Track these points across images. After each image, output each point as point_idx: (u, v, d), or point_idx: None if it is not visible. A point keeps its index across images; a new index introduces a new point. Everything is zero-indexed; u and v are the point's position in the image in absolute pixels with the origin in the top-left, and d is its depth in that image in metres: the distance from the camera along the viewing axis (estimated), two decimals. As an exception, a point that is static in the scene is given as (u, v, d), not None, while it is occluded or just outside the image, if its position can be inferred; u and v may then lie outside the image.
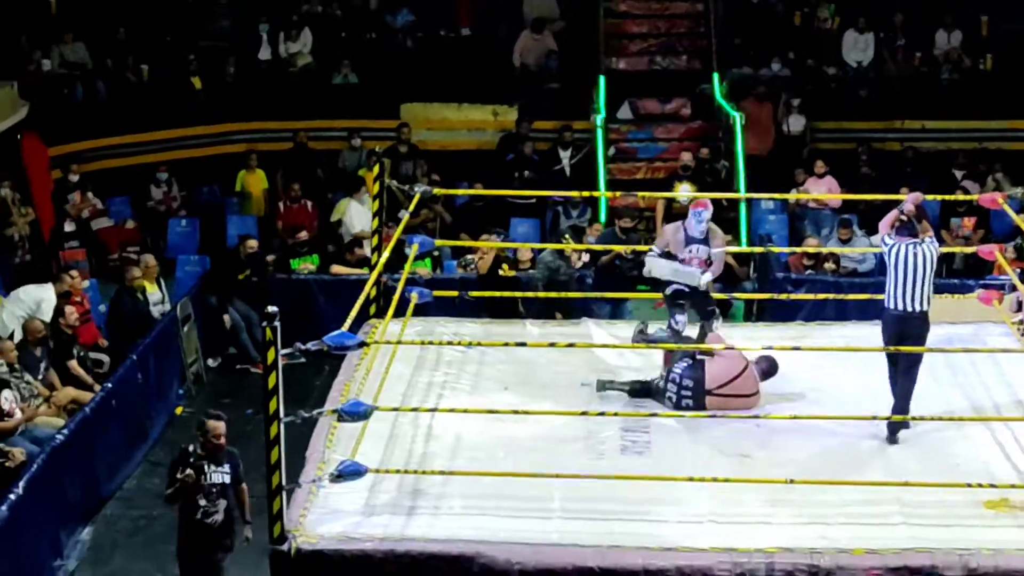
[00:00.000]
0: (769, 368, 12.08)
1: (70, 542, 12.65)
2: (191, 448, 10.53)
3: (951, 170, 20.19)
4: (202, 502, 10.47)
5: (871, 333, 12.57)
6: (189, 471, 10.37)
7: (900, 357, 11.33)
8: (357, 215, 18.72)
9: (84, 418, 13.13)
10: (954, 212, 19.02)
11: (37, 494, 11.74)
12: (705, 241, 12.27)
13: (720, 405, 11.73)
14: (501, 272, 15.34)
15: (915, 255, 11.32)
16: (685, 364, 11.97)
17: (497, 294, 14.97)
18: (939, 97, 21.54)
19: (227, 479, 10.59)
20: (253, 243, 17.23)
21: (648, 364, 12.60)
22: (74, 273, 16.18)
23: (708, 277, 12.30)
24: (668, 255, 12.29)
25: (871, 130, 21.20)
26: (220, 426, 10.54)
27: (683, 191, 18.02)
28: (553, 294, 15.04)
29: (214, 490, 10.51)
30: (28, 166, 19.00)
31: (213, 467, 10.50)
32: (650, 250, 12.42)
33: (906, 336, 11.31)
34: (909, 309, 11.30)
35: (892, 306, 11.39)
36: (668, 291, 12.36)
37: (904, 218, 11.62)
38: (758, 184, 18.68)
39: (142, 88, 21.75)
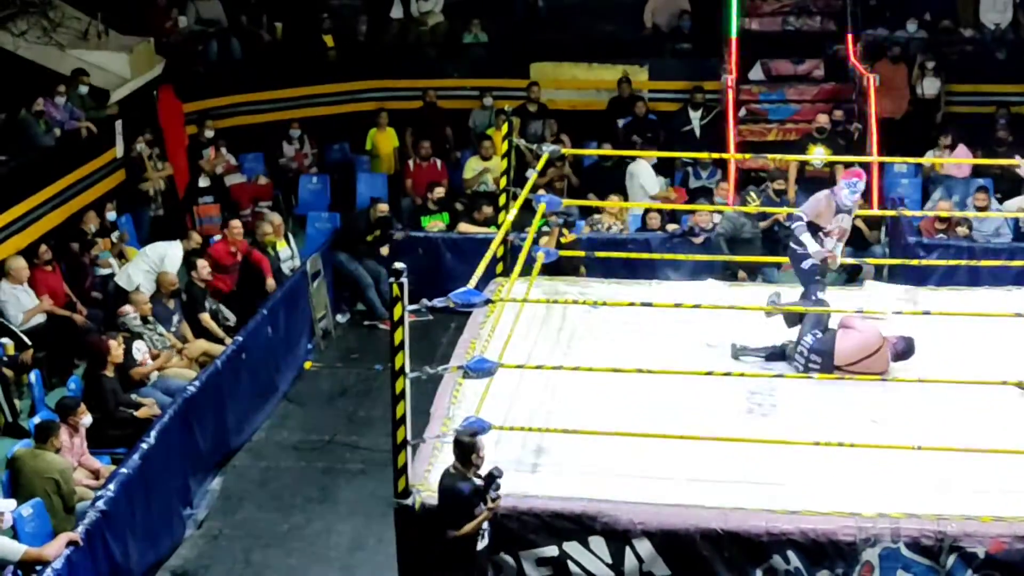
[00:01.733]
0: (906, 350, 11.86)
1: (200, 491, 12.88)
2: (493, 472, 9.40)
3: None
4: (485, 525, 9.57)
5: (1004, 299, 12.39)
6: (498, 495, 9.42)
7: None
8: (646, 177, 18.78)
9: (215, 370, 13.35)
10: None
11: (168, 444, 11.97)
12: (850, 211, 12.18)
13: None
14: (563, 239, 15.31)
15: None
16: (815, 336, 11.83)
17: (569, 253, 14.94)
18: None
19: None
20: (384, 207, 17.33)
21: (775, 325, 12.51)
22: (236, 223, 16.63)
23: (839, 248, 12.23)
24: (812, 225, 12.10)
25: (1008, 93, 20.73)
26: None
27: (817, 153, 17.83)
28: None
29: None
30: (163, 122, 19.25)
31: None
32: (799, 218, 12.08)
33: None
34: None
35: None
36: (805, 265, 12.23)
37: None
38: (891, 147, 18.41)
39: (275, 46, 21.94)
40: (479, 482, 9.43)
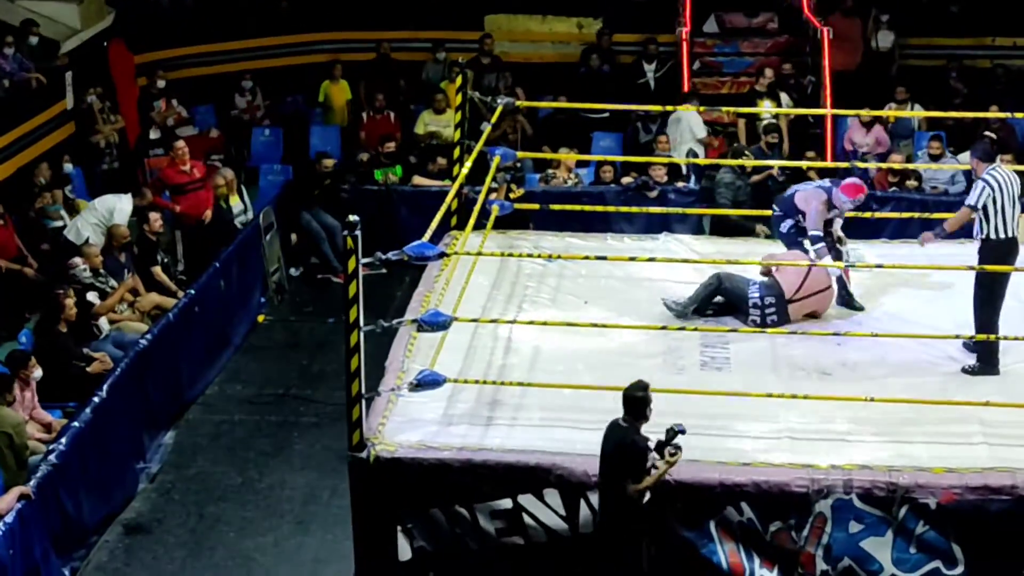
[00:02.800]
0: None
1: (153, 445, 12.84)
2: (676, 427, 9.28)
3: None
4: None
5: (956, 252, 12.44)
6: (678, 450, 9.30)
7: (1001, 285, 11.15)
8: (695, 121, 18.73)
9: (167, 324, 13.28)
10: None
11: (121, 398, 11.90)
12: (842, 213, 12.35)
13: (802, 308, 11.73)
14: (512, 195, 15.34)
15: (1009, 177, 11.06)
16: (757, 285, 11.88)
17: (525, 206, 14.91)
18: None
19: None
20: (329, 162, 17.27)
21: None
22: (180, 143, 16.70)
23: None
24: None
25: (961, 46, 20.80)
26: None
27: (767, 107, 17.84)
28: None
29: None
30: (114, 74, 19.08)
31: None
32: (815, 239, 12.16)
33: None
34: (1012, 234, 11.04)
35: (1001, 235, 10.97)
36: (784, 228, 12.41)
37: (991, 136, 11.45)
38: (845, 100, 18.42)
39: (227, -4, 21.77)
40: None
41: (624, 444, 9.30)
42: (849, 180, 12.32)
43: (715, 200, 15.87)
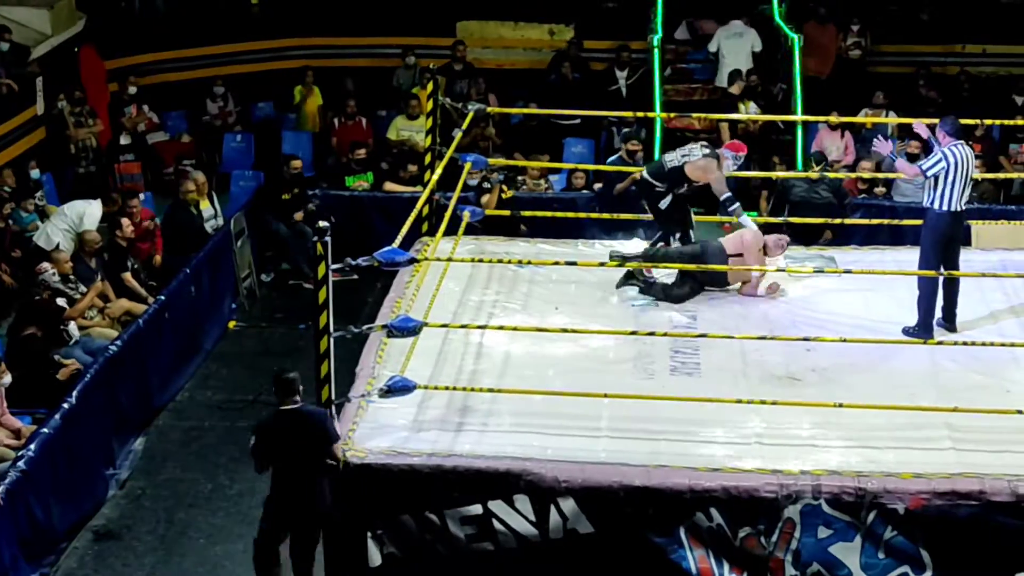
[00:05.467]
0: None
1: (123, 452, 12.78)
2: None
3: (1011, 95, 19.89)
4: None
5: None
6: None
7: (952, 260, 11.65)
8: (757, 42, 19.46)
9: (138, 330, 13.22)
10: (1013, 138, 18.81)
11: (91, 404, 11.86)
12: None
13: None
14: (503, 195, 15.35)
15: (967, 155, 11.49)
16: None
17: (496, 212, 14.96)
18: (1001, 21, 21.19)
19: None
20: (297, 163, 17.23)
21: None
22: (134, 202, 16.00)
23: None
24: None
25: (931, 53, 20.92)
26: None
27: (752, 111, 17.89)
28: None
29: None
30: (85, 79, 19.04)
31: None
32: (730, 200, 12.62)
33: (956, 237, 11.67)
34: (960, 208, 11.51)
35: (948, 207, 11.45)
36: (663, 205, 12.79)
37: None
38: (816, 107, 18.46)
39: (199, 2, 21.72)
40: None
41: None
42: (731, 140, 13.02)
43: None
